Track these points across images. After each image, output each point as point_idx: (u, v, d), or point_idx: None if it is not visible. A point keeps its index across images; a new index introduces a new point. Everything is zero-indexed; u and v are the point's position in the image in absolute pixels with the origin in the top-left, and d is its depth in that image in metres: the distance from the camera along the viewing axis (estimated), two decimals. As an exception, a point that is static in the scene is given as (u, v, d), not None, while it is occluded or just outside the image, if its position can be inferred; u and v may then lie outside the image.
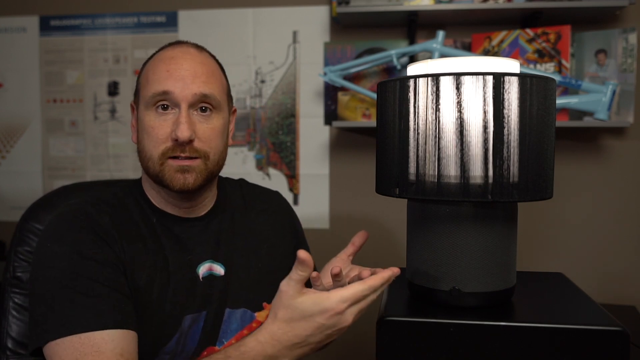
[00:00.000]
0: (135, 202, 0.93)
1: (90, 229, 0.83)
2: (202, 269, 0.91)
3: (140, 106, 0.89)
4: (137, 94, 0.92)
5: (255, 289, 0.94)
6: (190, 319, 0.87)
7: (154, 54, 0.92)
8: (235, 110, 0.99)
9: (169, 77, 0.85)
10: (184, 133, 0.83)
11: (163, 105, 0.86)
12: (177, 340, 0.85)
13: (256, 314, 0.93)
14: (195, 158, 0.86)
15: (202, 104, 0.87)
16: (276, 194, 1.12)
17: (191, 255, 0.91)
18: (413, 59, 1.76)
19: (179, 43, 0.93)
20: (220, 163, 0.92)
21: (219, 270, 0.93)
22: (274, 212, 1.07)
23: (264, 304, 0.94)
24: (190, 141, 0.85)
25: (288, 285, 0.71)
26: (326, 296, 0.70)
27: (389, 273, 0.70)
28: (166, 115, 0.86)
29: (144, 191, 0.94)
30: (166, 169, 0.86)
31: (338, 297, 0.69)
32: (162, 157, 0.86)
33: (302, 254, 0.69)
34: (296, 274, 0.71)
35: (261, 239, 1.00)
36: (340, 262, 0.94)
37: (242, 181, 1.11)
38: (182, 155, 0.85)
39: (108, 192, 0.94)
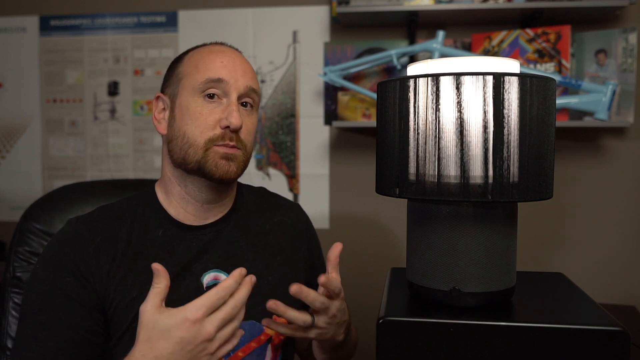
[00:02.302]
0: (142, 215, 0.91)
1: (75, 257, 0.84)
2: (207, 278, 0.89)
3: (182, 93, 0.88)
4: (174, 83, 0.91)
5: (265, 301, 0.91)
6: None
7: (192, 50, 0.93)
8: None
9: (223, 67, 0.87)
10: (237, 120, 0.84)
11: (210, 94, 0.87)
12: None
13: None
14: (238, 148, 0.87)
15: (247, 98, 0.90)
16: (296, 207, 1.09)
17: (197, 263, 0.89)
18: (413, 59, 1.76)
19: (219, 43, 0.94)
20: (249, 159, 0.93)
21: None
22: (291, 226, 1.03)
23: (274, 316, 0.91)
24: (239, 129, 0.86)
25: (145, 304, 0.68)
26: (182, 307, 0.67)
27: (239, 272, 0.69)
28: (215, 103, 0.87)
29: (157, 200, 0.93)
30: (210, 154, 0.86)
31: (192, 305, 0.67)
32: (208, 142, 0.85)
33: (155, 265, 0.69)
34: (152, 290, 0.68)
35: (274, 251, 0.98)
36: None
37: (261, 189, 1.08)
38: (230, 143, 0.86)
39: (115, 205, 0.93)
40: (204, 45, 0.94)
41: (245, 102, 0.90)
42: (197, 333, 0.67)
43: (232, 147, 0.86)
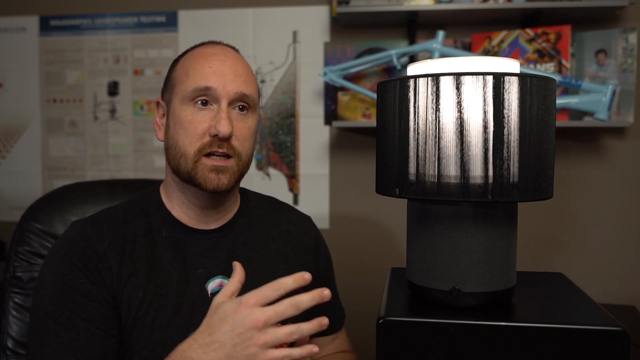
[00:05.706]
0: (146, 215, 0.91)
1: (84, 258, 0.84)
2: (212, 285, 0.89)
3: (175, 101, 0.88)
4: (169, 90, 0.90)
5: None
6: None
7: (188, 51, 0.92)
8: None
9: (211, 73, 0.85)
10: (225, 128, 0.83)
11: (202, 100, 0.85)
12: None
13: None
14: (229, 157, 0.86)
15: (241, 102, 0.87)
16: (306, 219, 1.08)
17: (202, 269, 0.89)
18: (413, 59, 1.76)
19: (214, 42, 0.93)
20: (249, 164, 0.91)
21: None
22: (299, 237, 1.02)
23: (278, 324, 0.92)
24: (229, 137, 0.84)
25: (217, 295, 0.74)
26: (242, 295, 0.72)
27: (302, 275, 0.72)
28: (205, 111, 0.85)
29: (161, 201, 0.93)
30: (199, 167, 0.84)
31: (249, 292, 0.71)
32: (197, 154, 0.84)
33: (235, 263, 0.76)
34: (226, 284, 0.75)
35: (279, 259, 0.97)
36: None
37: (271, 198, 1.07)
38: (220, 151, 0.84)
39: (119, 207, 0.93)
40: (201, 45, 0.92)
41: (242, 106, 0.88)
42: (246, 317, 0.69)
43: (222, 155, 0.85)
